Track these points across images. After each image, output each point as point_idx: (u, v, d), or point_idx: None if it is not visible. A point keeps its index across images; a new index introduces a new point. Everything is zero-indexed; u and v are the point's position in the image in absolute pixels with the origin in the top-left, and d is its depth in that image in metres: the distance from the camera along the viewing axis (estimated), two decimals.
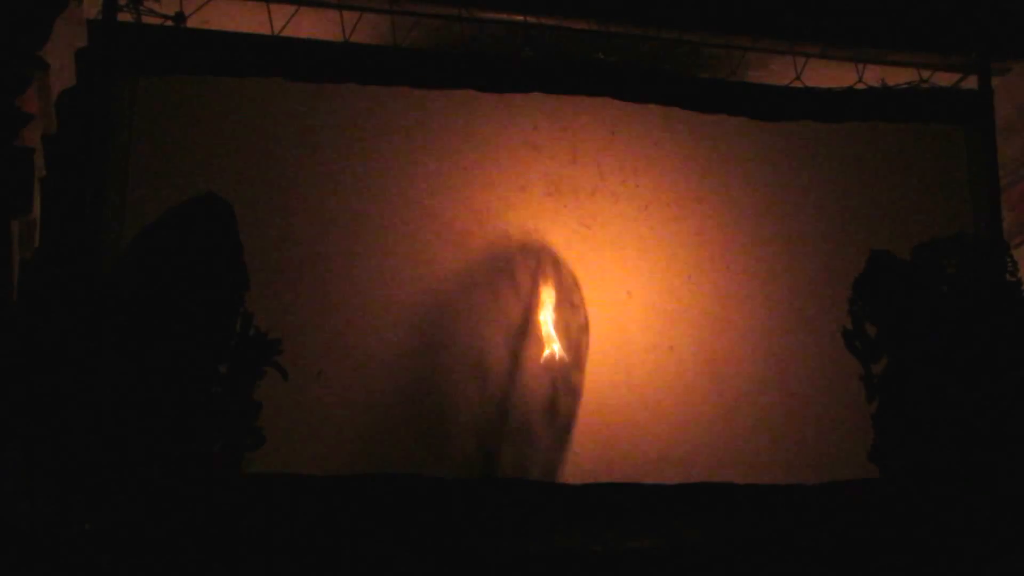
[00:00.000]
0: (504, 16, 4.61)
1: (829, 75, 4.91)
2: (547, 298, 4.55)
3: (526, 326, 4.53)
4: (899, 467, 4.26)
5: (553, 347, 4.52)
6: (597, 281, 4.58)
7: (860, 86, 4.89)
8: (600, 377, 4.48)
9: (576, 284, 4.58)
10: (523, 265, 4.57)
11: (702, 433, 4.50)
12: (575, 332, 4.55)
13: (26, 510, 3.52)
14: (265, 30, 4.40)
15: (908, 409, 4.26)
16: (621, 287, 4.58)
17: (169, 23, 4.29)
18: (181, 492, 3.63)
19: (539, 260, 4.58)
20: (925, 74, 4.92)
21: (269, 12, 4.39)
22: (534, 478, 4.39)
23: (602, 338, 4.52)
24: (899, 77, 4.93)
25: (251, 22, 4.41)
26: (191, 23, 4.32)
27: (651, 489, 4.32)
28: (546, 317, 4.54)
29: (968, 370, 4.25)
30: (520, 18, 4.59)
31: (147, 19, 4.27)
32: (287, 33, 4.42)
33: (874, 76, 4.92)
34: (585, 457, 4.39)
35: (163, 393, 3.66)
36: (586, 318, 4.55)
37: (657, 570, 3.92)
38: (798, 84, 4.82)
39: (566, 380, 4.52)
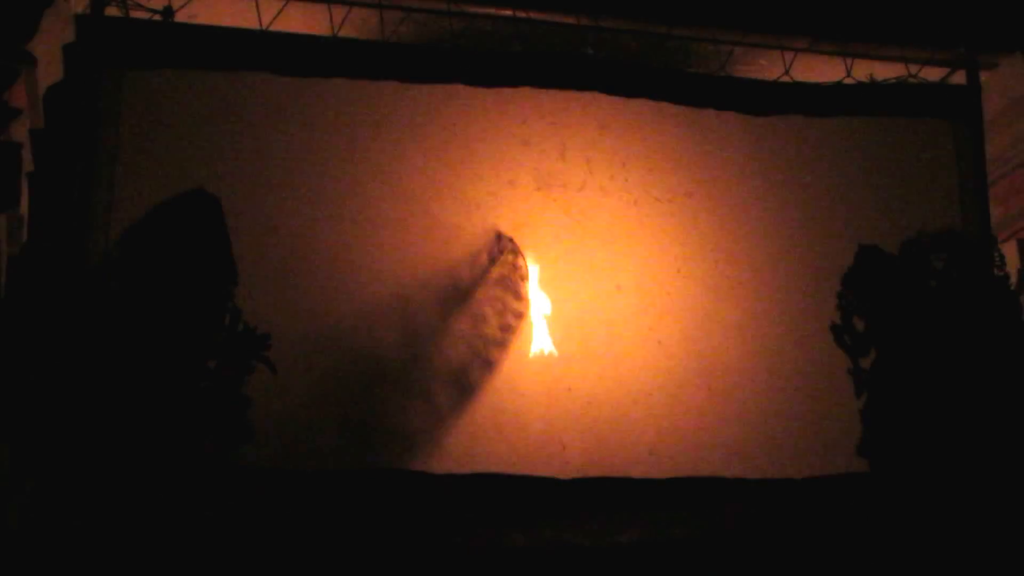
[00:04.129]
0: (493, 11, 4.62)
1: (817, 70, 4.92)
2: (539, 294, 4.55)
3: (515, 321, 4.53)
4: (888, 461, 4.27)
5: (543, 343, 4.51)
6: (586, 275, 4.57)
7: (848, 81, 4.90)
8: (588, 371, 4.48)
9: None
10: (514, 260, 4.56)
11: (691, 427, 4.50)
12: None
13: (16, 507, 3.51)
14: (253, 24, 4.40)
15: (896, 403, 4.28)
16: (610, 281, 4.57)
17: (157, 17, 4.29)
18: (170, 488, 3.62)
19: (531, 256, 4.58)
20: (913, 69, 4.93)
21: (257, 6, 4.39)
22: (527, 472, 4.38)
23: (591, 332, 4.52)
24: (887, 72, 4.94)
25: (239, 16, 4.41)
26: (179, 17, 4.32)
27: (639, 483, 4.33)
28: (538, 314, 4.53)
29: (956, 364, 4.27)
30: (509, 13, 4.59)
31: (135, 13, 4.27)
32: (275, 27, 4.42)
33: (863, 71, 4.93)
34: (573, 451, 4.38)
35: (151, 389, 3.66)
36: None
37: (645, 564, 3.93)
38: (787, 79, 4.83)
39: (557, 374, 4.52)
